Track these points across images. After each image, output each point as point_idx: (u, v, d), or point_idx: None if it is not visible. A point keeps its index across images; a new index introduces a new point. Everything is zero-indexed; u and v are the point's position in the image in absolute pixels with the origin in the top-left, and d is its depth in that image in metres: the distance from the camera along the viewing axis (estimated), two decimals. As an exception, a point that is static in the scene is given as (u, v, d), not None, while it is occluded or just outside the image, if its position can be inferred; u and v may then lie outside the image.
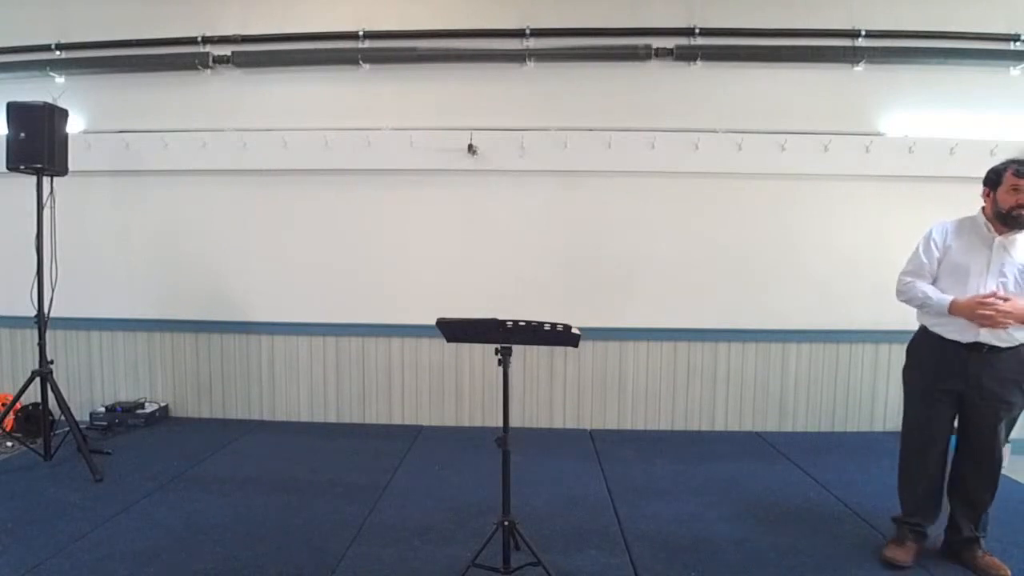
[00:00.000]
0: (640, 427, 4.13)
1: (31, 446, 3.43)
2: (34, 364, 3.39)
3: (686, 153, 3.94)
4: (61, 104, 3.33)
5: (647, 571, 2.36)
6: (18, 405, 3.45)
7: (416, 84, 4.04)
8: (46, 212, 3.32)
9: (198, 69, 4.04)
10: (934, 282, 2.58)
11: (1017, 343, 2.37)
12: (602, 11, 3.96)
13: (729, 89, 3.98)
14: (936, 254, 2.60)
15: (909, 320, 4.03)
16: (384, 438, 3.91)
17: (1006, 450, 3.81)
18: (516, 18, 3.95)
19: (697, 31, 3.90)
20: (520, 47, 3.96)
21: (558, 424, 4.15)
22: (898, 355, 4.07)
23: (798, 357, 4.10)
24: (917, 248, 2.68)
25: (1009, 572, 2.35)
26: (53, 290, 3.39)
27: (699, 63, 3.96)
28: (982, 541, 2.47)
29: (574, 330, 2.20)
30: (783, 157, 3.94)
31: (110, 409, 4.06)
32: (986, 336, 2.35)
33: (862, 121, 3.95)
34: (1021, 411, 2.46)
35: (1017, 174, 2.34)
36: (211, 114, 4.09)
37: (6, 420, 3.53)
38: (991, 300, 2.29)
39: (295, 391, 4.24)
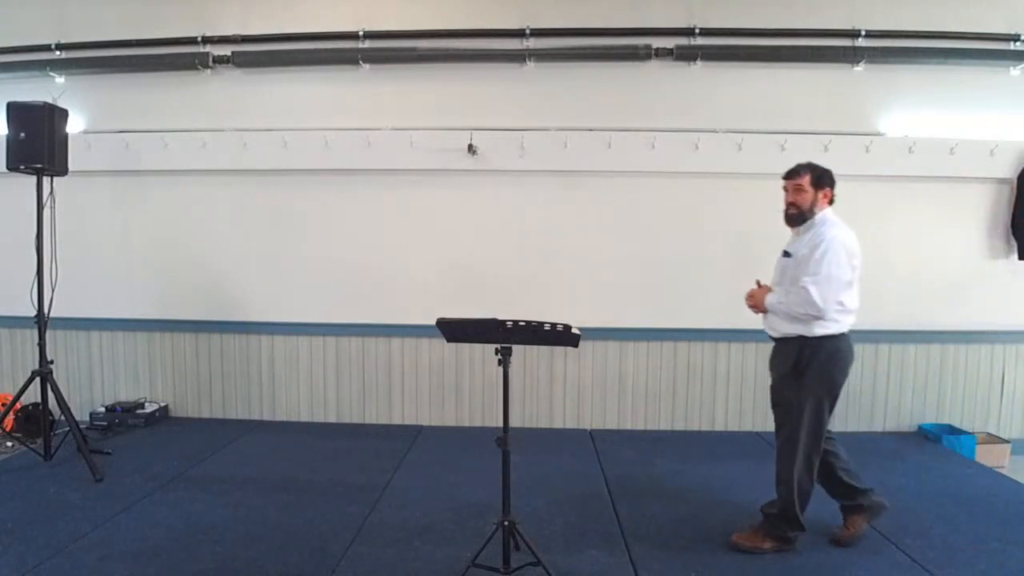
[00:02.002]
0: (640, 427, 4.13)
1: (31, 446, 3.43)
2: (34, 364, 3.39)
3: (686, 153, 3.94)
4: (61, 104, 3.33)
5: (647, 571, 2.36)
6: (18, 405, 3.45)
7: (416, 84, 4.04)
8: (46, 212, 3.32)
9: (198, 69, 4.04)
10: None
11: (779, 335, 2.52)
12: (602, 11, 3.96)
13: (729, 89, 3.98)
14: None
15: (909, 320, 4.06)
16: (384, 438, 3.91)
17: (1005, 449, 3.84)
18: (516, 18, 3.95)
19: (697, 31, 3.90)
20: (520, 47, 3.96)
21: (558, 424, 4.15)
22: (898, 355, 4.10)
23: (798, 357, 4.09)
24: None
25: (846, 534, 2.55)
26: (53, 290, 3.39)
27: (699, 63, 3.96)
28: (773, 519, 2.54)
29: (574, 330, 2.21)
30: (783, 157, 3.89)
31: (110, 409, 4.07)
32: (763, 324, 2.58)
33: (862, 121, 3.95)
34: (800, 401, 2.45)
35: (785, 177, 2.57)
36: (211, 114, 4.09)
37: (6, 420, 3.53)
38: (752, 290, 2.60)
39: (295, 391, 4.24)
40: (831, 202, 2.58)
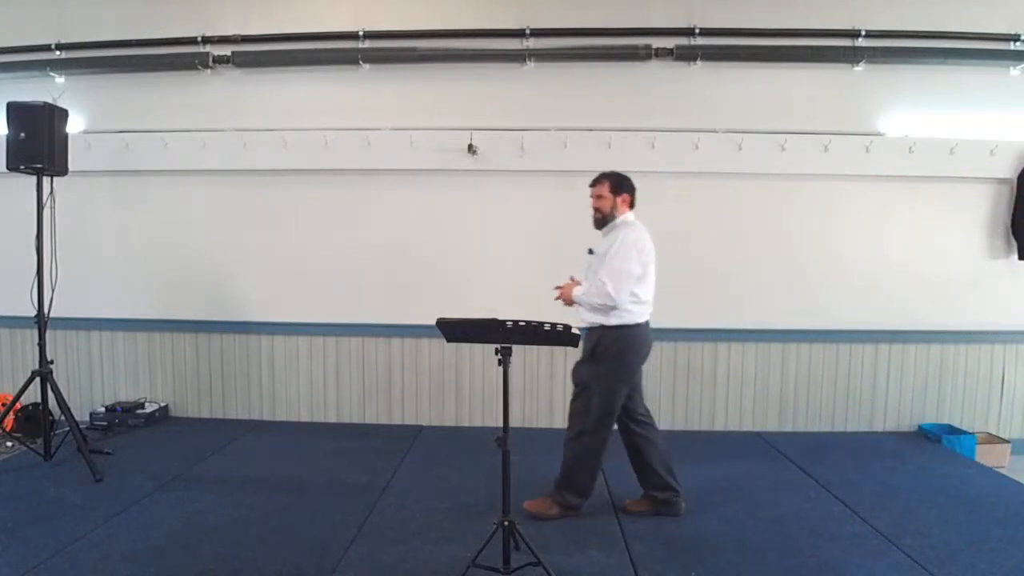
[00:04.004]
0: (640, 427, 4.13)
1: (31, 446, 3.43)
2: (34, 364, 3.39)
3: (686, 153, 3.94)
4: (61, 104, 3.33)
5: (647, 571, 2.36)
6: (18, 405, 3.45)
7: (416, 84, 4.04)
8: (46, 212, 3.32)
9: (198, 69, 4.03)
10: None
11: (586, 324, 2.74)
12: (602, 11, 3.95)
13: (729, 89, 3.98)
14: None
15: (909, 320, 4.06)
16: (384, 438, 3.91)
17: (1005, 449, 3.84)
18: (516, 18, 3.94)
19: (697, 31, 3.90)
20: (520, 47, 3.96)
21: (558, 424, 4.13)
22: (898, 355, 4.10)
23: (798, 357, 4.10)
24: None
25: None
26: (53, 290, 3.39)
27: (699, 63, 3.96)
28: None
29: (574, 330, 2.21)
30: (783, 157, 3.94)
31: (110, 409, 4.07)
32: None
33: (862, 121, 3.95)
34: (594, 383, 2.71)
35: (589, 185, 2.87)
36: (211, 114, 4.09)
37: (6, 420, 3.53)
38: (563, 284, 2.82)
39: (295, 391, 4.24)
40: (631, 206, 2.85)
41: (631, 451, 2.85)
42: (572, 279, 2.83)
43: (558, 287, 2.84)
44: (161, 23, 4.05)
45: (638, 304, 2.70)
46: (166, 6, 4.08)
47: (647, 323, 2.77)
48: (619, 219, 2.80)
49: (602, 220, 2.83)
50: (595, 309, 2.68)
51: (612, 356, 2.68)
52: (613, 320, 2.66)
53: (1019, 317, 4.02)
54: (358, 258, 4.11)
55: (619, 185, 2.81)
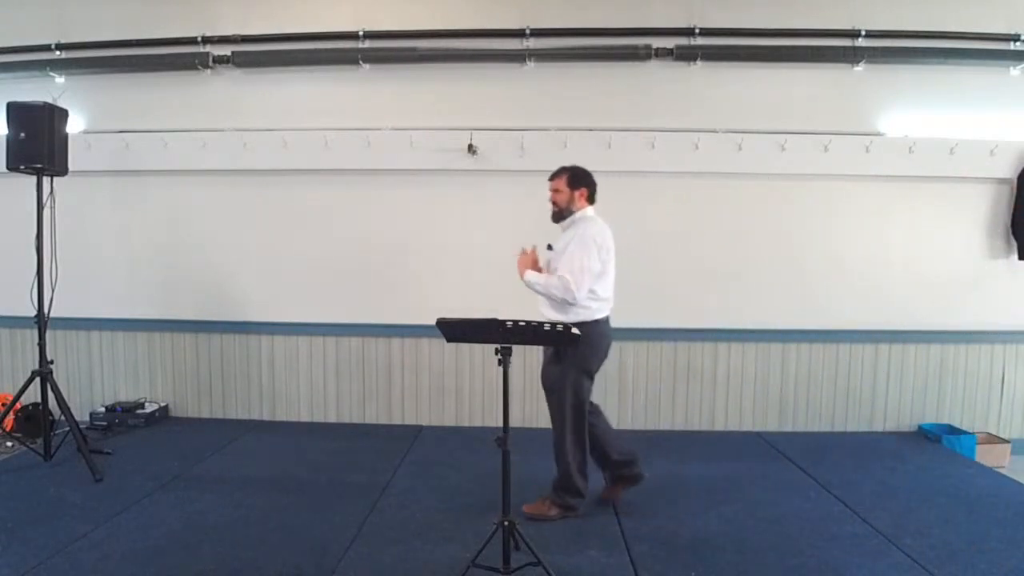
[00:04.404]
0: (640, 427, 4.13)
1: (31, 446, 3.43)
2: (34, 364, 3.39)
3: (686, 153, 3.94)
4: (61, 104, 3.33)
5: (647, 571, 2.36)
6: (18, 405, 3.45)
7: (416, 84, 4.03)
8: (46, 212, 3.32)
9: (198, 69, 4.03)
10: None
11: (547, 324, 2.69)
12: (602, 11, 3.95)
13: (729, 89, 3.98)
14: None
15: (909, 320, 4.06)
16: (384, 438, 3.91)
17: (1005, 449, 3.84)
18: (516, 18, 3.94)
19: (697, 31, 3.90)
20: (520, 47, 3.96)
21: (558, 424, 4.15)
22: (898, 355, 4.10)
23: (798, 357, 4.10)
24: None
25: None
26: (53, 290, 3.39)
27: (699, 63, 3.96)
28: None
29: (574, 330, 2.21)
30: (783, 157, 3.94)
31: (110, 409, 4.07)
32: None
33: (862, 121, 3.95)
34: (563, 382, 2.72)
35: (549, 180, 2.84)
36: (211, 114, 4.09)
37: (6, 420, 3.53)
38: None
39: (295, 391, 4.24)
40: (590, 200, 2.82)
41: (591, 444, 2.85)
42: (526, 250, 2.79)
43: (521, 256, 2.79)
44: (161, 23, 4.05)
45: (596, 301, 2.70)
46: (166, 6, 4.08)
47: (607, 319, 2.78)
48: (577, 214, 2.78)
49: (559, 214, 2.82)
50: (554, 304, 2.68)
51: (574, 353, 2.67)
52: (572, 318, 2.64)
53: (1019, 317, 4.02)
54: (358, 258, 4.11)
55: (577, 179, 2.79)
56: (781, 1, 3.93)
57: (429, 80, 4.03)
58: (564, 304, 2.65)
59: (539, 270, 2.79)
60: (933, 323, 4.04)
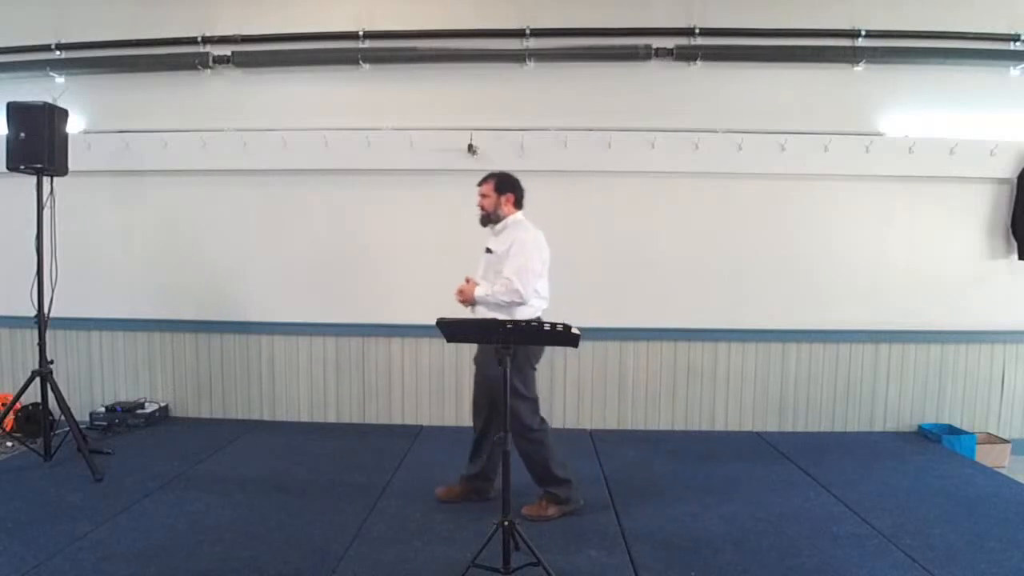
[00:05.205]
0: (640, 427, 4.13)
1: (31, 446, 3.43)
2: (34, 364, 3.39)
3: (686, 153, 3.94)
4: (61, 104, 3.33)
5: (647, 571, 2.36)
6: (18, 405, 3.45)
7: (416, 84, 4.03)
8: (46, 212, 3.32)
9: (198, 69, 4.03)
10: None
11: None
12: (602, 11, 3.95)
13: (729, 89, 3.98)
14: None
15: (909, 320, 4.06)
16: (384, 438, 3.91)
17: (1005, 449, 3.84)
18: (516, 18, 3.94)
19: (697, 31, 3.90)
20: (520, 47, 3.96)
21: (558, 424, 4.14)
22: (898, 355, 4.11)
23: (798, 357, 4.10)
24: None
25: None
26: (53, 290, 3.39)
27: (699, 63, 3.96)
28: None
29: (574, 330, 2.20)
30: (783, 157, 3.94)
31: (110, 409, 4.06)
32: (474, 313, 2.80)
33: (862, 121, 3.95)
34: (515, 382, 2.63)
35: (478, 184, 2.91)
36: (211, 114, 4.08)
37: (6, 420, 3.53)
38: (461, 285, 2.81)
39: (295, 391, 4.24)
40: (517, 205, 2.90)
41: (480, 436, 2.91)
42: (468, 279, 2.83)
43: (461, 288, 2.82)
44: (161, 23, 4.05)
45: (539, 299, 2.80)
46: (166, 6, 4.07)
47: (541, 317, 2.84)
48: (509, 218, 2.86)
49: (486, 218, 2.89)
50: (501, 307, 2.71)
51: (520, 350, 2.66)
52: (516, 316, 2.70)
53: (1019, 317, 4.02)
54: (358, 258, 4.11)
55: (503, 185, 2.87)
56: (781, 1, 3.93)
57: (429, 80, 4.03)
58: (512, 304, 2.70)
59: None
60: (933, 323, 4.04)
